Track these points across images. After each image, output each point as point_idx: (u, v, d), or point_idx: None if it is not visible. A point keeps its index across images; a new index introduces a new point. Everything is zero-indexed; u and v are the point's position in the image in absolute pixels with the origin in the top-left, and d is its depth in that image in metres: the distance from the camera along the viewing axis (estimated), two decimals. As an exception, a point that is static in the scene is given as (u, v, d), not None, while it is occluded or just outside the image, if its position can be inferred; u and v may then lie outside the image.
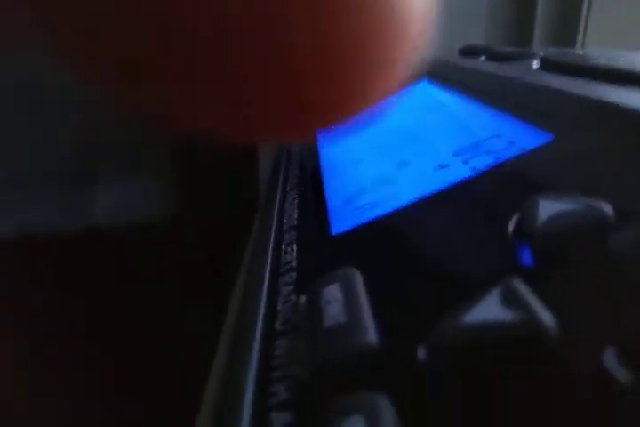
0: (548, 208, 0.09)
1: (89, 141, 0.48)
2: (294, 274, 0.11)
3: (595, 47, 0.41)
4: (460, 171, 0.14)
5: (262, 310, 0.10)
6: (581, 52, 0.27)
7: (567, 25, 0.42)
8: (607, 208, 0.09)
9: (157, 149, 0.53)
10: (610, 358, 0.06)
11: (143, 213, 0.52)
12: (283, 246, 0.13)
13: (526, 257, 0.09)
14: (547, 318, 0.07)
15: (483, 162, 0.14)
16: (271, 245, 0.13)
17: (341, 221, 0.13)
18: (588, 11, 0.42)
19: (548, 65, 0.20)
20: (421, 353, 0.08)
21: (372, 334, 0.08)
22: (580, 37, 0.41)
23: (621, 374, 0.06)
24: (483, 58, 0.26)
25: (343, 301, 0.09)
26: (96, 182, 0.50)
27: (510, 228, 0.10)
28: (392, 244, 0.11)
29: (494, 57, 0.25)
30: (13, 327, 0.22)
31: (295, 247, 0.12)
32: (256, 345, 0.09)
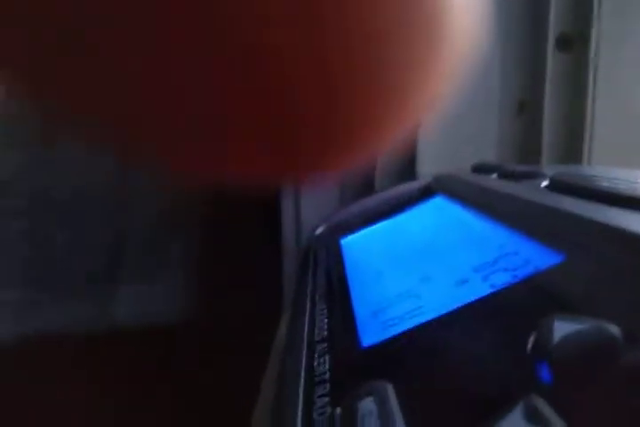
0: (562, 328, 0.10)
1: (117, 242, 0.50)
2: (328, 385, 0.12)
3: (600, 164, 0.43)
4: (480, 287, 0.15)
5: (299, 421, 0.11)
6: (586, 173, 0.29)
7: (573, 144, 0.45)
8: (615, 330, 0.10)
9: (183, 245, 0.54)
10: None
11: (165, 315, 0.52)
12: (315, 357, 0.13)
13: (545, 374, 0.10)
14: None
15: (501, 279, 0.15)
16: (304, 358, 0.13)
17: (370, 333, 0.14)
18: (592, 130, 0.44)
19: (555, 185, 0.22)
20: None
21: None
22: (585, 155, 0.44)
23: None
24: (494, 175, 0.28)
25: (378, 414, 0.09)
26: (119, 283, 0.51)
27: (529, 345, 0.10)
28: (419, 358, 0.12)
29: (505, 175, 0.27)
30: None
31: (327, 359, 0.13)
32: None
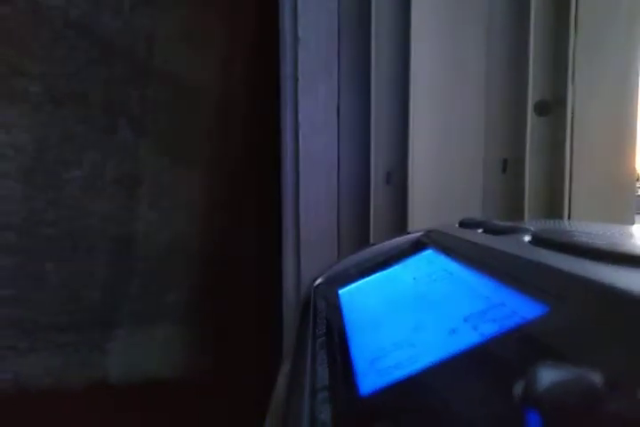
0: (548, 376, 0.10)
1: (114, 287, 0.48)
2: (329, 433, 0.12)
3: (579, 217, 0.44)
4: (470, 336, 0.15)
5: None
6: (567, 228, 0.30)
7: (553, 199, 0.46)
8: (599, 377, 0.10)
9: (183, 293, 0.53)
10: None
11: (156, 367, 0.49)
12: (317, 405, 0.13)
13: (533, 421, 0.10)
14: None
15: (490, 328, 0.15)
16: (306, 406, 0.13)
17: (368, 382, 0.14)
18: (570, 186, 0.45)
19: (538, 240, 0.22)
20: None
21: None
22: (565, 210, 0.44)
23: None
24: (480, 230, 0.28)
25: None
26: (112, 330, 0.49)
27: (517, 393, 0.11)
28: (414, 406, 0.12)
29: (490, 230, 0.27)
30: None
31: (329, 407, 0.13)
32: None
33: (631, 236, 0.24)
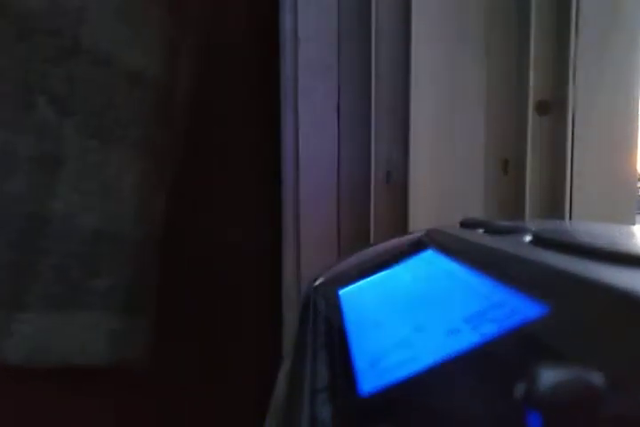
0: (549, 377, 0.10)
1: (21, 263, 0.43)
2: (329, 433, 0.12)
3: (580, 217, 0.44)
4: (470, 337, 0.15)
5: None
6: (567, 228, 0.30)
7: (554, 199, 0.46)
8: (600, 377, 0.10)
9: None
10: None
11: (73, 353, 0.45)
12: (317, 405, 0.13)
13: (534, 421, 0.10)
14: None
15: (490, 329, 0.15)
16: (306, 407, 0.13)
17: (368, 382, 0.14)
18: (572, 186, 0.45)
19: (538, 240, 0.22)
20: None
21: None
22: (566, 209, 0.45)
23: None
24: (481, 230, 0.28)
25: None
26: (19, 312, 0.44)
27: (518, 394, 0.11)
28: (414, 407, 0.12)
29: (491, 230, 0.27)
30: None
31: (329, 408, 0.13)
32: None
33: (632, 236, 0.24)
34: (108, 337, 0.45)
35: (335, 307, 0.24)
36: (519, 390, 0.10)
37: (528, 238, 0.24)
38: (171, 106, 0.48)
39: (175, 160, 0.50)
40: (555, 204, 0.46)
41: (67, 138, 0.43)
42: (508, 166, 0.49)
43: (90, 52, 0.43)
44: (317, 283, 0.31)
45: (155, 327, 0.49)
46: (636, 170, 0.47)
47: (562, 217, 0.44)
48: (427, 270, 0.25)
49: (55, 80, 0.43)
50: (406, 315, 0.20)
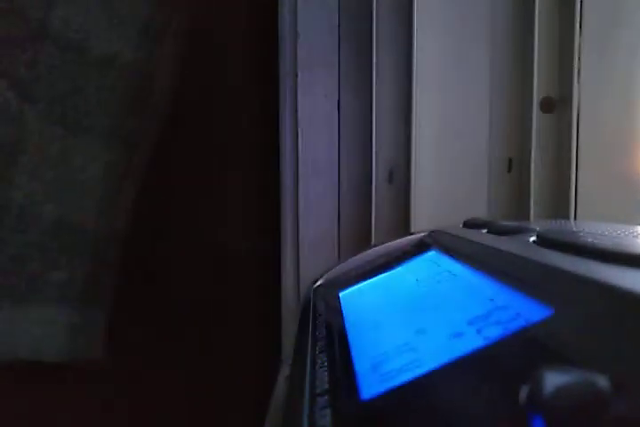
0: (553, 380, 0.10)
1: None
2: (329, 438, 0.12)
3: (585, 217, 0.44)
4: (474, 340, 0.15)
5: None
6: (572, 228, 0.29)
7: (559, 199, 0.46)
8: (604, 381, 0.10)
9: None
10: None
11: (28, 348, 0.44)
12: (317, 410, 0.13)
13: (538, 425, 0.10)
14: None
15: (494, 332, 0.15)
16: (306, 411, 0.13)
17: (370, 386, 0.14)
18: (577, 185, 0.45)
19: (543, 241, 0.22)
20: None
21: None
22: (571, 209, 0.44)
23: None
24: (485, 231, 0.28)
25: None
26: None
27: (522, 397, 0.10)
28: (416, 411, 0.12)
29: (495, 231, 0.27)
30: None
31: (329, 412, 0.13)
32: None
33: (638, 236, 0.24)
34: (68, 331, 0.44)
35: (335, 309, 0.24)
36: (523, 393, 0.10)
37: (533, 239, 0.24)
38: (148, 94, 0.47)
39: (149, 152, 0.48)
40: (559, 203, 0.46)
41: (28, 124, 0.41)
42: (512, 165, 0.49)
43: (58, 36, 0.41)
44: (317, 284, 0.31)
45: (142, 328, 0.48)
46: (641, 169, 0.47)
47: (566, 216, 0.44)
48: (429, 272, 0.25)
49: (18, 64, 0.41)
50: (408, 317, 0.20)
